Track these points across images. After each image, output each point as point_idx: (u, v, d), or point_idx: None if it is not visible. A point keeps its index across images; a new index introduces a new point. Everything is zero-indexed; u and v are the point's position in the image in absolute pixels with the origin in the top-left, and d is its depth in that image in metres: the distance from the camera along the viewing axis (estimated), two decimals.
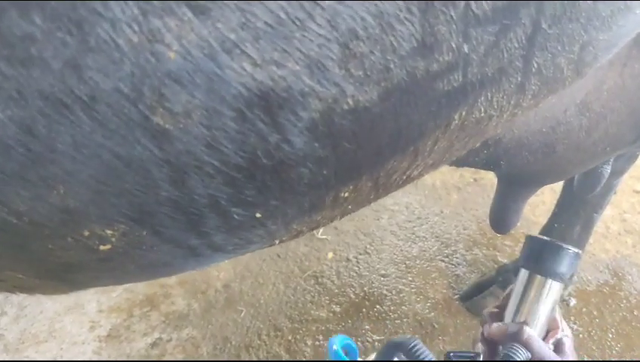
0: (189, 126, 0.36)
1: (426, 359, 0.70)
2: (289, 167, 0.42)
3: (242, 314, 1.94)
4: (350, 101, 0.39)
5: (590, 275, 2.06)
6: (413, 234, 2.36)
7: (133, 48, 0.33)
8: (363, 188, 0.50)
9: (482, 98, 0.47)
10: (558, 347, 0.77)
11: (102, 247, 0.43)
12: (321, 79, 0.37)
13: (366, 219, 2.41)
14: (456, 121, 0.47)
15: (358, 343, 1.85)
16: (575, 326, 1.77)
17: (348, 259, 2.19)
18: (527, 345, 0.70)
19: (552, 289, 0.74)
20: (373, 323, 1.92)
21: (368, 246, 2.26)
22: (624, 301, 1.98)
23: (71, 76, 0.33)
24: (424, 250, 2.26)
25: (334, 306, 1.96)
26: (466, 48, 0.41)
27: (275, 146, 0.39)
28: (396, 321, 1.86)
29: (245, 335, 1.86)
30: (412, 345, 0.71)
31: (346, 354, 0.77)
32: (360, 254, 2.24)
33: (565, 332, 0.79)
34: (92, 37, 0.32)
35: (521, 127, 0.69)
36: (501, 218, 0.99)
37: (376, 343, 1.81)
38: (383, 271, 2.14)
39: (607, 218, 2.34)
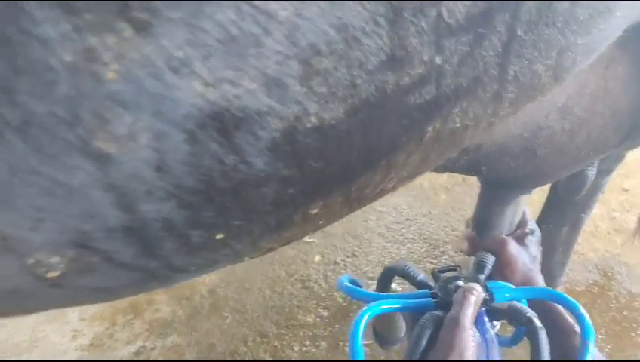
0: (136, 149, 0.33)
1: (418, 276, 0.85)
2: (250, 188, 0.39)
3: (228, 320, 1.91)
4: (314, 119, 0.36)
5: (579, 275, 2.06)
6: (402, 235, 2.35)
7: (68, 69, 0.30)
8: (334, 204, 0.47)
9: (457, 109, 0.44)
10: (520, 240, 0.95)
11: (50, 274, 0.40)
12: (280, 97, 0.34)
13: (354, 221, 2.39)
14: (430, 134, 0.45)
15: (346, 348, 1.83)
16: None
17: (335, 262, 2.17)
18: (496, 244, 0.90)
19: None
20: None
21: (356, 248, 2.24)
22: (613, 301, 1.97)
23: (1, 101, 0.30)
24: (412, 252, 2.24)
25: (321, 310, 1.94)
26: (438, 60, 0.39)
27: (233, 168, 0.36)
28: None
29: (231, 342, 1.83)
30: (406, 266, 0.87)
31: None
32: (348, 257, 2.22)
33: (531, 228, 0.98)
34: (21, 58, 0.29)
35: (502, 133, 0.67)
36: (485, 222, 0.98)
37: (365, 347, 1.79)
38: (371, 274, 2.12)
39: (596, 217, 2.34)
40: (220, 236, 0.43)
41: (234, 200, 0.39)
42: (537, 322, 0.71)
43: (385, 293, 0.89)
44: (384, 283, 0.93)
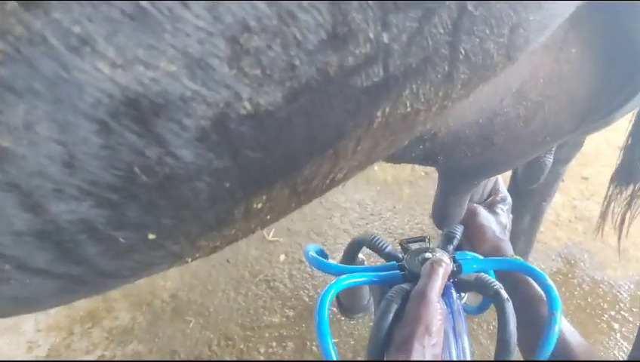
0: (36, 142, 0.28)
1: (386, 247, 0.85)
2: (180, 183, 0.35)
3: (191, 325, 1.86)
4: (247, 105, 0.32)
5: (543, 263, 2.09)
6: (367, 231, 2.33)
7: None
8: (279, 197, 0.44)
9: (407, 92, 0.41)
10: (491, 208, 0.98)
11: None
12: (206, 81, 0.30)
13: (318, 219, 2.37)
14: (380, 119, 0.42)
15: (313, 347, 1.80)
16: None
17: (301, 261, 2.14)
18: (466, 213, 0.93)
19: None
20: None
21: (321, 246, 2.20)
22: (577, 288, 2.01)
23: None
24: None
25: (288, 310, 1.91)
26: (385, 38, 0.35)
27: (158, 161, 0.32)
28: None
29: (194, 347, 1.78)
30: (373, 237, 0.87)
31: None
32: None
33: (502, 196, 1.01)
34: None
35: (457, 120, 0.65)
36: (443, 213, 0.96)
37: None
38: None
39: (558, 205, 2.38)
40: (151, 236, 0.39)
41: (162, 197, 0.35)
42: (504, 294, 0.70)
43: (351, 266, 0.88)
44: (351, 255, 0.93)
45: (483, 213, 0.94)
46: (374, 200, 2.49)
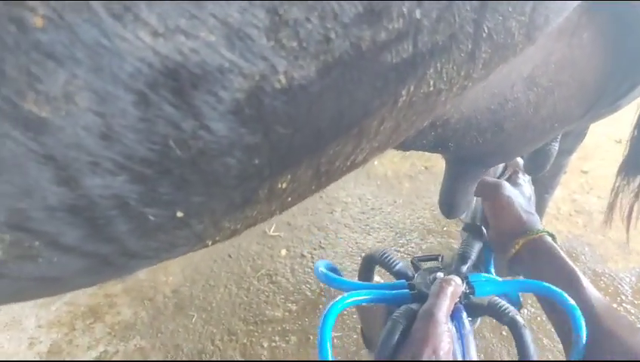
0: (74, 113, 0.28)
1: (396, 265, 0.82)
2: (212, 158, 0.35)
3: (194, 320, 1.86)
4: (282, 78, 0.32)
5: None
6: (368, 225, 2.34)
7: None
8: (303, 178, 0.44)
9: (431, 70, 0.42)
10: (513, 180, 0.97)
11: None
12: (244, 52, 0.30)
13: (319, 213, 2.37)
14: (404, 98, 0.42)
15: (316, 341, 1.79)
16: (533, 309, 1.78)
17: (302, 255, 2.14)
18: (490, 188, 0.90)
19: None
20: None
21: (322, 240, 2.21)
22: None
23: None
24: (379, 241, 2.24)
25: (290, 305, 1.91)
26: (417, 13, 0.36)
27: (192, 134, 0.32)
28: (354, 316, 1.82)
29: (198, 342, 1.78)
30: (383, 253, 0.84)
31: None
32: (314, 249, 2.19)
33: (521, 167, 1.01)
34: None
35: (470, 106, 0.66)
36: (451, 201, 0.97)
37: (335, 339, 1.76)
38: (338, 265, 2.10)
39: (558, 199, 2.39)
40: (179, 214, 0.39)
41: (194, 172, 0.35)
42: (520, 320, 0.67)
43: (363, 283, 0.85)
44: (366, 272, 0.91)
45: (507, 187, 0.90)
46: (375, 194, 2.49)
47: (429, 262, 0.83)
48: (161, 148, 0.32)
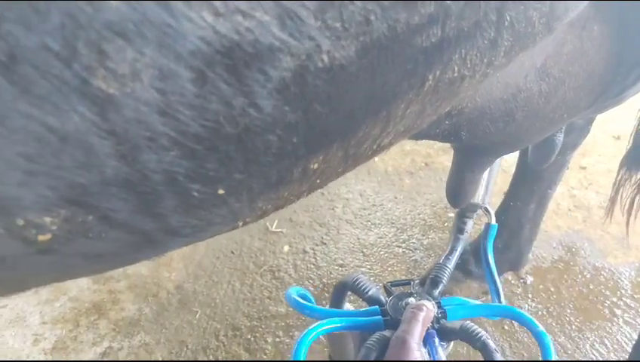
0: (139, 90, 0.31)
1: (369, 291, 0.82)
2: (256, 135, 0.37)
3: (197, 316, 1.87)
4: (325, 58, 0.35)
5: (545, 252, 2.13)
6: (369, 221, 2.36)
7: None
8: (333, 159, 0.46)
9: (456, 56, 0.44)
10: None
11: (40, 238, 0.37)
12: (293, 32, 0.32)
13: (321, 210, 2.39)
14: (430, 82, 0.45)
15: (320, 336, 1.81)
16: (534, 304, 1.82)
17: (304, 251, 2.16)
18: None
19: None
20: None
21: (324, 236, 2.24)
22: (579, 275, 2.05)
23: None
24: (381, 237, 2.26)
25: None
26: None
27: (241, 112, 0.35)
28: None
29: (202, 337, 1.80)
30: (354, 279, 0.84)
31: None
32: (316, 245, 2.21)
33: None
34: None
35: (484, 96, 0.68)
36: (458, 189, 0.99)
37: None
38: (340, 261, 2.13)
39: (557, 195, 2.43)
40: (221, 191, 0.41)
41: (238, 149, 0.38)
42: (491, 344, 0.69)
43: (336, 309, 0.87)
44: (338, 298, 0.91)
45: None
46: (376, 190, 2.52)
47: (401, 287, 0.85)
48: (212, 124, 0.35)
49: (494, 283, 0.95)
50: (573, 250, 2.16)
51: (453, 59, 0.45)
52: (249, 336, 1.80)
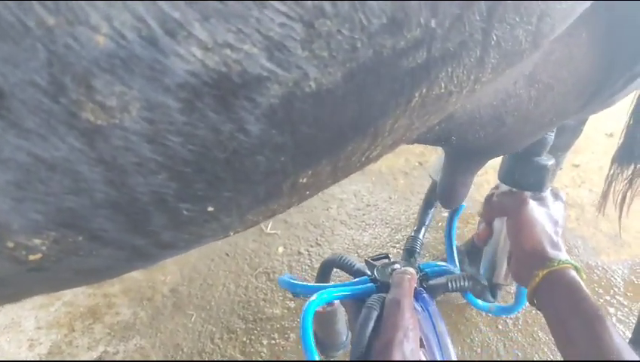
0: (127, 121, 0.32)
1: (354, 265, 0.92)
2: (244, 157, 0.38)
3: (193, 319, 1.89)
4: (313, 84, 0.36)
5: None
6: (363, 222, 2.38)
7: (48, 32, 0.28)
8: (322, 173, 0.48)
9: (443, 74, 0.45)
10: (542, 199, 0.87)
11: (31, 257, 0.38)
12: (281, 62, 0.33)
13: (315, 211, 2.40)
14: (417, 99, 0.46)
15: None
16: (527, 303, 1.83)
17: (299, 253, 2.17)
18: (513, 202, 0.85)
19: None
20: None
21: (319, 237, 2.25)
22: None
23: None
24: (375, 237, 2.28)
25: (289, 302, 1.94)
26: (433, 23, 0.39)
27: (229, 136, 0.36)
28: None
29: (197, 341, 1.81)
30: (341, 257, 0.94)
31: None
32: (311, 246, 2.23)
33: (553, 189, 0.92)
34: None
35: (474, 102, 0.70)
36: (450, 192, 1.01)
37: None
38: None
39: None
40: (210, 208, 0.42)
41: (226, 170, 0.39)
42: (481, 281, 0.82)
43: (325, 284, 0.95)
44: (323, 276, 1.01)
45: (532, 204, 0.82)
46: (370, 191, 2.54)
47: (381, 260, 0.94)
48: (200, 149, 0.36)
49: (451, 250, 1.08)
50: (567, 247, 2.18)
51: (440, 77, 0.46)
52: (244, 339, 1.81)
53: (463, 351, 1.75)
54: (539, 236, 0.76)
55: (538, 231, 0.77)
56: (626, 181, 1.35)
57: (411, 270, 0.79)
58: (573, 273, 0.73)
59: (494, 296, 0.93)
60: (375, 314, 0.69)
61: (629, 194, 1.36)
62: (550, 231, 0.78)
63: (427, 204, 1.16)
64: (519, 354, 1.73)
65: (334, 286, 0.85)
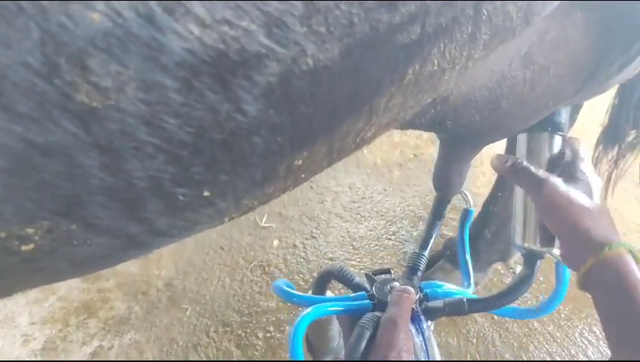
0: (123, 102, 0.31)
1: (353, 279, 0.89)
2: (241, 138, 0.38)
3: (188, 313, 1.88)
4: (310, 61, 0.36)
5: None
6: (359, 214, 2.38)
7: (42, 10, 0.27)
8: (317, 154, 0.48)
9: (436, 50, 0.46)
10: (572, 174, 0.72)
11: (24, 248, 0.38)
12: (280, 38, 0.33)
13: (310, 203, 2.40)
14: (410, 76, 0.46)
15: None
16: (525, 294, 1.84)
17: (294, 246, 2.17)
18: (519, 173, 0.72)
19: (554, 142, 0.79)
20: None
21: (314, 230, 2.25)
22: None
23: None
24: (370, 230, 2.28)
25: None
26: None
27: (227, 117, 0.36)
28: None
29: (192, 334, 1.81)
30: (340, 269, 0.91)
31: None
32: (306, 239, 2.23)
33: (582, 156, 0.75)
34: None
35: (468, 83, 0.70)
36: (445, 180, 1.02)
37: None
38: (330, 255, 2.14)
39: None
40: (207, 193, 0.42)
41: (223, 152, 0.39)
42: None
43: (323, 296, 0.93)
44: (320, 287, 0.97)
45: (553, 185, 0.69)
46: (365, 183, 2.53)
47: (382, 275, 0.91)
48: (198, 130, 0.35)
49: (466, 266, 1.03)
50: None
51: (433, 54, 0.46)
52: (240, 332, 1.81)
53: (459, 341, 1.76)
54: (574, 218, 0.66)
55: (573, 213, 0.66)
56: (611, 162, 1.37)
57: (410, 289, 0.77)
58: (627, 258, 0.61)
59: (532, 266, 0.84)
60: (368, 334, 0.69)
61: (614, 174, 1.38)
62: (592, 208, 0.67)
63: (435, 216, 1.05)
64: (515, 344, 1.74)
65: (330, 300, 0.84)
